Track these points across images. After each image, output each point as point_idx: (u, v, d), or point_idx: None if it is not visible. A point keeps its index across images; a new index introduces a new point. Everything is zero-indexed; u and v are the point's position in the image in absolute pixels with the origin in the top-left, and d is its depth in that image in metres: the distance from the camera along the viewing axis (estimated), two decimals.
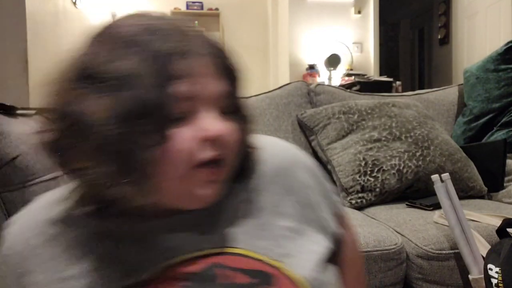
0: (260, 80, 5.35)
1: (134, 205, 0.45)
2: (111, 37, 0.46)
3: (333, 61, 4.00)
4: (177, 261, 0.48)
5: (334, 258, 0.59)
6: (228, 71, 0.49)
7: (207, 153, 0.45)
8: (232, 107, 0.50)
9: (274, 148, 0.61)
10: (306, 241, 0.54)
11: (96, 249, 0.48)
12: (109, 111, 0.43)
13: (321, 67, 4.08)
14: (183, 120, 0.45)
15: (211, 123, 0.46)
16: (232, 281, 0.47)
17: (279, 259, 0.51)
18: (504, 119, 1.62)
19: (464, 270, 0.93)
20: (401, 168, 1.29)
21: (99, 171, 0.43)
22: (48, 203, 0.53)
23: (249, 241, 0.51)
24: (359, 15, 4.36)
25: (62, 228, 0.50)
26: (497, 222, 0.96)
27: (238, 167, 0.53)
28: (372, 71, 4.31)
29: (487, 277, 0.80)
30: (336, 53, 4.03)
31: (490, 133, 1.64)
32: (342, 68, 4.13)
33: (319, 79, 4.02)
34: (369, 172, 1.29)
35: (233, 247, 0.50)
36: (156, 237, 0.50)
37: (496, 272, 0.77)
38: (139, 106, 0.43)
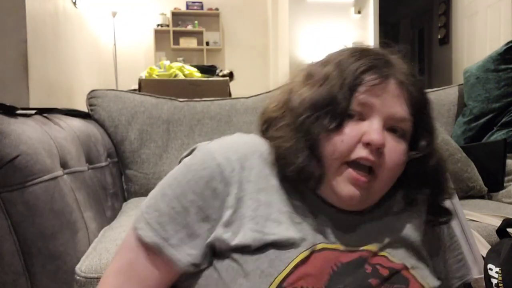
0: (260, 80, 5.35)
1: (303, 174, 0.55)
2: (329, 56, 0.61)
3: None
4: (328, 247, 0.55)
5: None
6: (414, 102, 0.57)
7: (362, 153, 0.54)
8: (405, 133, 0.57)
9: None
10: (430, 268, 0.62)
11: (276, 195, 0.57)
12: (307, 99, 0.57)
13: None
14: (355, 120, 0.55)
15: (374, 131, 0.54)
16: (376, 272, 0.54)
17: (413, 268, 0.58)
18: (504, 119, 1.62)
19: None
20: None
21: (287, 140, 0.56)
22: (249, 142, 0.62)
23: (391, 250, 0.59)
24: (359, 15, 4.36)
25: (259, 162, 0.59)
26: (497, 222, 0.96)
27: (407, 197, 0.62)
28: None
29: (487, 277, 0.79)
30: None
31: (490, 133, 1.64)
32: None
33: None
34: None
35: (377, 250, 0.58)
36: (315, 219, 0.57)
37: (496, 272, 0.77)
38: (325, 98, 0.55)
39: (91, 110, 1.37)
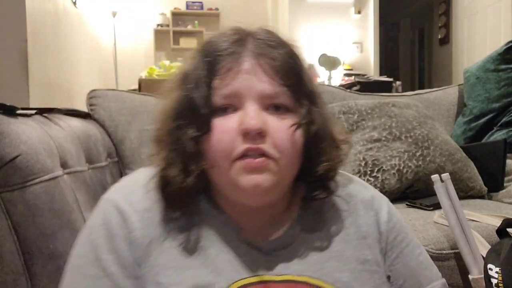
0: None
1: (185, 189, 0.50)
2: (200, 45, 0.55)
3: (324, 62, 3.97)
4: (248, 282, 0.51)
5: None
6: (281, 70, 0.51)
7: (245, 145, 0.49)
8: (287, 106, 0.52)
9: (357, 185, 0.64)
10: (375, 279, 0.57)
11: (164, 231, 0.53)
12: (168, 109, 0.52)
13: (319, 67, 4.08)
14: (226, 113, 0.50)
15: (247, 117, 0.49)
16: None
17: None
18: (504, 119, 1.62)
19: (464, 270, 0.93)
20: (401, 168, 1.29)
21: (160, 157, 0.52)
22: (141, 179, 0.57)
23: (330, 273, 0.54)
24: (359, 15, 4.36)
25: (148, 205, 0.54)
26: (497, 222, 0.96)
27: (313, 179, 0.55)
28: (372, 71, 4.31)
29: (487, 277, 0.79)
30: (326, 53, 4.00)
31: (490, 133, 1.64)
32: (339, 68, 4.13)
33: (319, 79, 4.01)
34: (369, 172, 1.29)
35: (313, 278, 0.53)
36: (226, 253, 0.52)
37: (496, 272, 0.77)
38: (184, 103, 0.50)
39: (91, 110, 1.36)
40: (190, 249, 0.52)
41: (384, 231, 0.59)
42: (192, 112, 0.50)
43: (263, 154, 0.49)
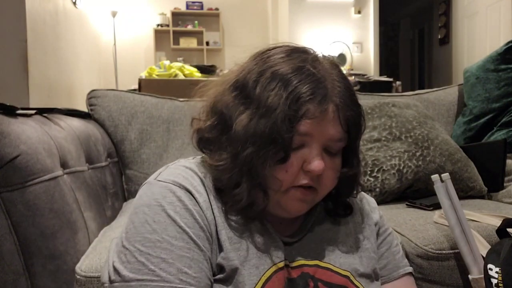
0: None
1: (248, 209, 0.58)
2: (263, 62, 0.58)
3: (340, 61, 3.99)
4: (276, 268, 0.58)
5: None
6: (348, 121, 0.58)
7: (304, 181, 0.57)
8: (340, 149, 0.60)
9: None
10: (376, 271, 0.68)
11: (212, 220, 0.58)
12: (249, 130, 0.55)
13: None
14: (298, 149, 0.56)
15: (314, 159, 0.56)
16: None
17: (360, 279, 0.63)
18: (504, 119, 1.62)
19: (464, 270, 0.93)
20: (401, 168, 1.29)
21: (227, 170, 0.57)
22: (189, 168, 0.61)
23: (334, 259, 0.64)
24: (359, 15, 4.36)
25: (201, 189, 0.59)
26: (497, 222, 0.96)
27: (338, 202, 0.67)
28: (372, 71, 4.31)
29: (487, 277, 0.79)
30: (343, 53, 4.01)
31: (490, 133, 1.64)
32: (342, 68, 4.13)
33: None
34: (369, 172, 1.29)
35: (323, 262, 0.63)
36: (258, 240, 0.60)
37: (496, 272, 0.77)
38: (270, 132, 0.54)
39: (91, 110, 1.37)
40: (235, 236, 0.58)
41: (377, 224, 0.73)
42: (275, 142, 0.54)
43: (313, 188, 0.58)
